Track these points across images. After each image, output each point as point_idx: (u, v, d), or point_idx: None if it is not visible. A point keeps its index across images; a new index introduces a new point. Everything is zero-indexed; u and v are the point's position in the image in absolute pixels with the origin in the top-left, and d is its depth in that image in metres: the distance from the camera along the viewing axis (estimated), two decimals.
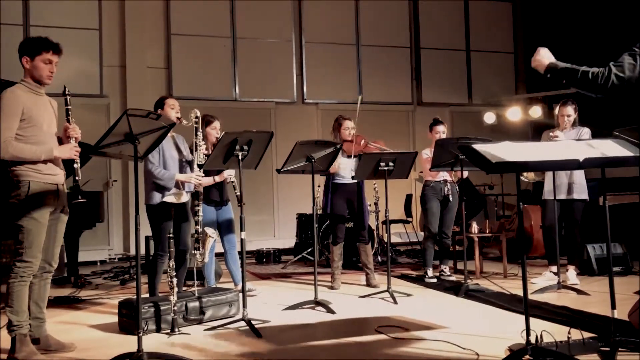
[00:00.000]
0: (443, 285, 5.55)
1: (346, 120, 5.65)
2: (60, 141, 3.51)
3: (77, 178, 3.45)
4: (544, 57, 2.83)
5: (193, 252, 4.49)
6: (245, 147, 4.07)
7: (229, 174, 5.02)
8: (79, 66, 8.37)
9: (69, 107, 3.49)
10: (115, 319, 4.13)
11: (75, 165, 3.45)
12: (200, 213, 4.46)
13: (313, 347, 3.59)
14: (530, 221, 7.29)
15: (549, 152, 3.01)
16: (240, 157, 4.07)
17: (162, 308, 3.96)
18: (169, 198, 4.40)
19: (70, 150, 3.41)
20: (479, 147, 2.95)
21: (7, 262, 5.03)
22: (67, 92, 3.50)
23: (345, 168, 5.57)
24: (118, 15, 8.84)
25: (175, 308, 3.94)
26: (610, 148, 3.04)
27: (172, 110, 4.50)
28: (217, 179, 4.99)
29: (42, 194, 3.34)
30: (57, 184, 3.45)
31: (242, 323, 3.96)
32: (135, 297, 3.33)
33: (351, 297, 5.13)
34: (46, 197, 3.37)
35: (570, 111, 5.34)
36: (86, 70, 8.52)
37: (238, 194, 4.71)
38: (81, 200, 3.42)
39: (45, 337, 3.51)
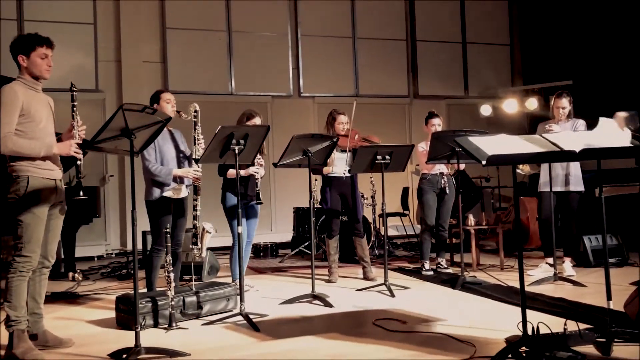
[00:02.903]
0: (440, 278, 5.57)
1: (340, 114, 5.64)
2: (60, 139, 3.50)
3: (80, 175, 3.44)
4: None
5: (190, 246, 4.50)
6: (242, 141, 4.06)
7: (255, 171, 5.03)
8: (74, 61, 8.33)
9: (74, 103, 3.46)
10: (112, 314, 4.14)
11: (78, 162, 3.44)
12: (199, 208, 4.46)
13: (311, 341, 3.60)
14: (527, 213, 7.31)
15: (545, 144, 3.01)
16: (236, 151, 4.06)
17: (159, 303, 3.96)
18: (168, 193, 4.40)
19: (70, 148, 3.39)
20: (475, 140, 2.96)
21: (4, 258, 5.02)
22: (73, 88, 3.46)
23: (339, 162, 5.57)
24: (113, 10, 8.80)
25: (173, 303, 3.94)
26: (607, 140, 3.04)
27: (168, 104, 4.49)
28: (243, 173, 4.98)
29: (41, 189, 3.34)
30: (55, 180, 3.45)
31: (240, 317, 3.97)
32: (133, 292, 3.34)
33: (348, 291, 5.15)
34: (45, 193, 3.36)
35: (565, 103, 5.35)
36: (81, 65, 8.49)
37: (258, 190, 4.93)
38: (82, 197, 3.42)
39: (43, 332, 3.51)
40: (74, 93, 3.47)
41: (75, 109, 3.46)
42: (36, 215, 3.32)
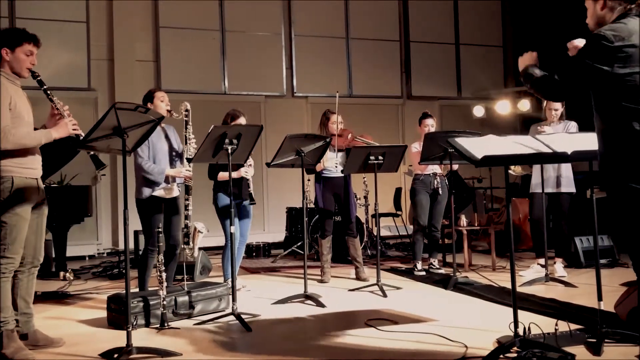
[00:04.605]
0: (432, 278, 5.58)
1: (333, 114, 5.65)
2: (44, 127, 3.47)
3: (91, 151, 3.44)
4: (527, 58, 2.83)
5: (182, 246, 4.48)
6: (235, 141, 4.05)
7: (245, 172, 5.03)
8: (66, 59, 8.30)
9: (44, 87, 3.41)
10: (104, 314, 4.12)
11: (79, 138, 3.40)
12: (191, 207, 4.45)
13: (303, 341, 3.60)
14: (519, 214, 7.34)
15: (538, 145, 3.02)
16: (229, 151, 4.05)
17: (151, 303, 3.95)
18: (159, 192, 4.38)
19: (67, 126, 3.35)
20: (467, 141, 2.96)
21: None
22: (36, 75, 3.40)
23: (332, 162, 5.58)
24: (106, 8, 8.76)
25: (165, 302, 3.93)
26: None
27: (162, 102, 4.48)
28: (235, 175, 4.94)
29: (25, 189, 3.30)
30: (37, 179, 3.42)
31: (232, 317, 3.96)
32: (124, 291, 3.33)
33: (341, 291, 5.15)
34: (29, 192, 3.32)
35: (557, 105, 5.39)
36: (74, 64, 8.45)
37: (251, 191, 4.97)
38: (104, 167, 3.50)
39: (34, 332, 3.49)
40: (39, 78, 3.41)
41: (48, 92, 3.42)
42: (20, 215, 3.28)
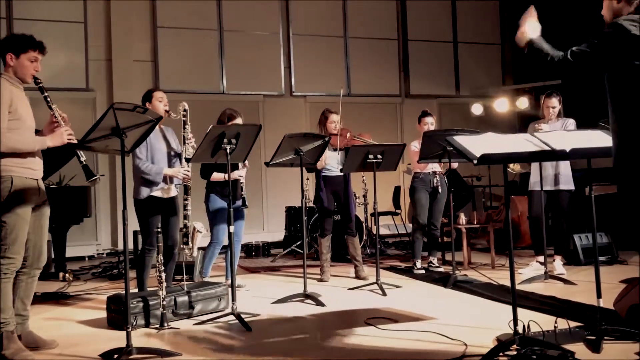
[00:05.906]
0: (431, 277, 5.59)
1: (332, 113, 5.66)
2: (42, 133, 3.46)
3: (82, 160, 3.43)
4: (528, 31, 2.84)
5: (182, 246, 4.49)
6: (233, 141, 4.05)
7: (239, 175, 5.03)
8: (64, 60, 8.29)
9: (45, 94, 3.42)
10: (103, 314, 4.12)
11: (77, 151, 3.41)
12: (189, 207, 4.45)
13: (303, 340, 3.60)
14: (518, 212, 7.34)
15: (536, 143, 3.03)
16: (228, 151, 4.05)
17: (150, 303, 3.95)
18: (157, 192, 4.38)
19: (62, 136, 3.35)
20: (466, 139, 2.97)
21: None
22: (38, 81, 3.40)
23: (331, 161, 5.58)
24: (103, 8, 8.75)
25: (164, 303, 3.93)
26: (597, 139, 3.07)
27: (160, 103, 4.48)
28: (225, 177, 4.95)
29: (24, 189, 3.30)
30: (37, 180, 3.42)
31: (232, 317, 3.96)
32: (124, 292, 3.33)
33: (340, 290, 5.15)
34: (29, 193, 3.32)
35: (555, 103, 5.40)
36: (72, 64, 8.44)
37: (244, 194, 4.98)
38: (98, 176, 3.45)
39: (28, 333, 3.47)
40: (41, 85, 3.41)
41: (49, 99, 3.42)
42: (20, 216, 3.27)
